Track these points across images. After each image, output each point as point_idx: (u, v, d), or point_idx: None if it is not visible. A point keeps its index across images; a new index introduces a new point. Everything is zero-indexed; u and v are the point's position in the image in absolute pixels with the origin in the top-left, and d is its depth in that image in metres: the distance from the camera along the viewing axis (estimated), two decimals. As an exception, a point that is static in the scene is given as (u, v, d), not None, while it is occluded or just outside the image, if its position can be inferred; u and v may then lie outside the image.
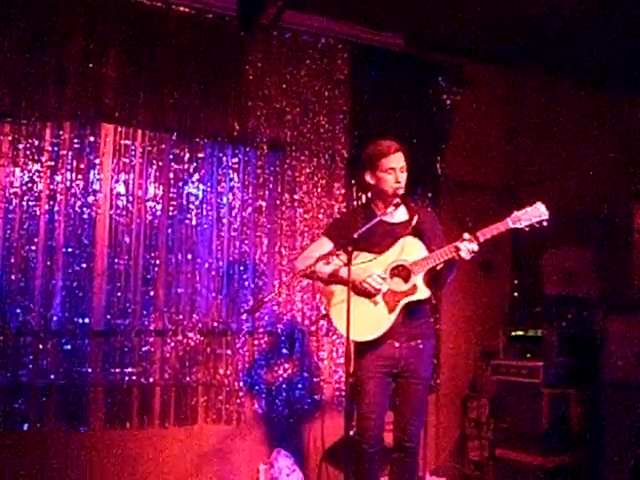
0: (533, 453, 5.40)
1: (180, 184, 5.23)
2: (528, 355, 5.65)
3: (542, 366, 5.46)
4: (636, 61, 5.84)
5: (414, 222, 4.07)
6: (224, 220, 5.36)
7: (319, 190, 5.65)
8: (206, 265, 5.28)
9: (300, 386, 5.48)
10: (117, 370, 4.99)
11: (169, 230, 5.19)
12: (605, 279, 5.88)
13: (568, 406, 5.51)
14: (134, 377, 5.02)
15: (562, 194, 5.78)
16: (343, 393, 5.44)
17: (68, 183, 4.92)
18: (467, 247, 3.82)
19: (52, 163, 4.89)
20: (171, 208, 5.20)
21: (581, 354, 5.65)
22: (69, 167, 4.93)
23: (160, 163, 5.19)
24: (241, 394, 5.31)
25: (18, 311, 4.74)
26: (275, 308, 5.47)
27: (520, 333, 5.85)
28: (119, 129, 5.09)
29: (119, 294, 5.02)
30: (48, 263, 4.84)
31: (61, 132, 4.92)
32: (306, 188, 5.60)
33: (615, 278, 5.84)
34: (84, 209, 4.95)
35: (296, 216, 5.56)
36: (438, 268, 3.96)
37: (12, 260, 4.75)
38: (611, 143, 6.21)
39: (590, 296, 5.89)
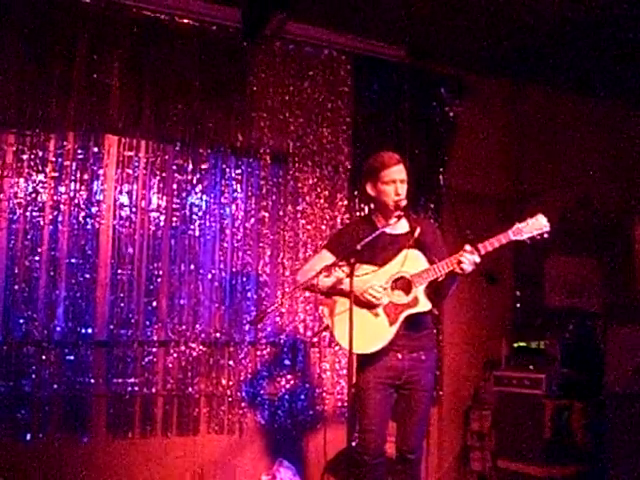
0: (535, 464, 5.40)
1: (183, 195, 5.25)
2: (531, 366, 5.65)
3: (545, 377, 5.47)
4: (637, 70, 5.85)
5: (416, 234, 4.06)
6: (227, 231, 5.37)
7: (322, 201, 5.66)
8: (209, 276, 5.29)
9: (302, 397, 5.48)
10: (120, 380, 4.99)
11: (172, 241, 5.20)
12: (607, 290, 5.88)
13: (571, 417, 5.50)
14: (137, 387, 5.03)
15: (564, 204, 5.79)
16: (345, 404, 5.44)
17: (72, 194, 4.93)
18: (468, 259, 3.83)
19: (56, 174, 4.90)
20: (174, 219, 5.21)
21: (584, 365, 5.65)
22: (73, 178, 4.94)
23: (163, 174, 5.21)
24: (243, 405, 5.31)
25: (21, 321, 4.74)
26: (278, 319, 5.48)
27: (523, 344, 5.86)
28: (123, 140, 5.11)
29: (122, 304, 5.03)
30: (51, 273, 4.85)
31: (65, 143, 4.93)
32: (309, 199, 5.62)
33: (617, 289, 5.83)
34: (88, 220, 4.96)
35: (299, 227, 5.58)
36: (439, 280, 3.96)
37: (16, 270, 4.76)
38: (613, 153, 6.21)
39: (592, 307, 5.89)
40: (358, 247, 3.80)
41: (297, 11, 5.28)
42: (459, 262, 3.83)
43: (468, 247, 3.85)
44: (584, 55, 5.81)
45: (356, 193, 5.78)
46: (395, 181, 4.05)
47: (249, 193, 5.46)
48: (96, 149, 5.02)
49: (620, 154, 6.11)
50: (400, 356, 4.02)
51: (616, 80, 6.07)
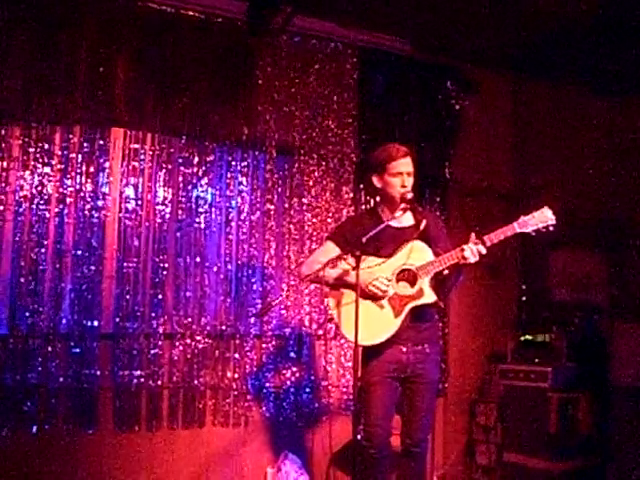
0: (541, 458, 5.40)
1: (189, 188, 5.24)
2: (536, 360, 5.65)
3: (550, 371, 5.47)
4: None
5: (422, 227, 4.07)
6: (233, 224, 5.37)
7: (328, 194, 5.66)
8: (215, 268, 5.29)
9: (308, 390, 5.49)
10: (126, 373, 4.99)
11: (178, 233, 5.20)
12: (613, 284, 5.87)
13: (576, 411, 5.50)
14: (143, 380, 5.03)
15: (570, 198, 5.78)
16: (351, 397, 5.45)
17: (78, 186, 4.93)
18: (472, 248, 3.83)
19: (62, 166, 4.90)
20: (180, 211, 5.21)
21: (589, 359, 5.65)
22: (79, 171, 4.94)
23: (169, 167, 5.21)
24: (249, 397, 5.32)
25: (27, 314, 4.74)
26: (283, 312, 5.48)
27: (529, 338, 5.85)
28: (129, 133, 5.11)
29: (128, 297, 5.03)
30: (57, 266, 4.85)
31: (71, 136, 4.93)
32: (314, 192, 5.62)
33: (623, 282, 5.82)
34: (93, 212, 4.96)
35: (304, 220, 5.57)
36: (445, 273, 3.96)
37: (22, 263, 4.76)
38: (618, 147, 6.19)
39: (598, 301, 5.88)
40: (364, 240, 3.79)
41: (303, 4, 5.28)
42: (463, 253, 3.83)
43: (473, 237, 3.86)
44: (589, 50, 5.79)
45: (362, 186, 5.77)
46: (402, 173, 4.05)
47: (255, 186, 5.46)
48: (102, 142, 5.01)
49: (625, 148, 6.09)
50: (404, 349, 4.03)
51: (622, 75, 6.05)
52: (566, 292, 6.04)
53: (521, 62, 6.25)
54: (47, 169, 4.87)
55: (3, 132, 4.78)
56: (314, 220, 5.58)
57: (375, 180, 4.16)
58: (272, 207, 5.48)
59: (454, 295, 5.88)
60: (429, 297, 3.98)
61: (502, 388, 5.84)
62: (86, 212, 4.94)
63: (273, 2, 5.20)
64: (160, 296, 5.12)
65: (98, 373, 4.92)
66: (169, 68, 5.18)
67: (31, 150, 4.83)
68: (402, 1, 5.35)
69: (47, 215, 4.85)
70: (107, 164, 5.03)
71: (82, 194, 4.94)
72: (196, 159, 5.27)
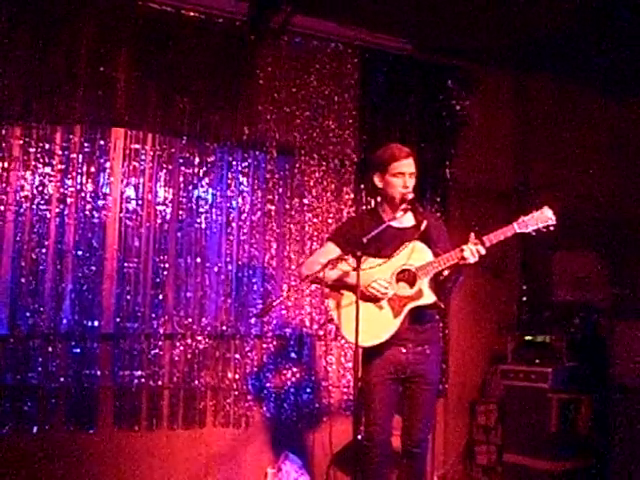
0: (541, 458, 5.40)
1: (190, 188, 5.24)
2: (537, 360, 5.65)
3: (551, 371, 5.47)
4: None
5: (423, 227, 4.07)
6: (233, 224, 5.37)
7: (328, 194, 5.66)
8: (215, 269, 5.29)
9: (308, 390, 5.49)
10: (126, 373, 5.00)
11: (179, 234, 5.20)
12: (614, 284, 5.86)
13: (577, 411, 5.51)
14: (143, 380, 5.03)
15: (571, 199, 5.77)
16: (351, 397, 5.45)
17: (78, 187, 4.93)
18: (472, 249, 3.83)
19: (62, 167, 4.90)
20: (181, 212, 5.21)
21: (590, 359, 5.65)
22: (79, 171, 4.93)
23: (170, 167, 5.20)
24: (249, 398, 5.32)
25: (28, 314, 4.75)
26: (284, 312, 5.48)
27: (529, 338, 5.85)
28: (129, 133, 5.11)
29: (128, 297, 5.03)
30: (58, 266, 4.85)
31: (71, 136, 4.93)
32: (315, 192, 5.61)
33: (623, 283, 5.82)
34: (94, 212, 4.96)
35: (305, 220, 5.57)
36: (444, 274, 3.96)
37: (22, 263, 4.76)
38: (620, 146, 6.19)
39: (599, 301, 5.88)
40: (364, 240, 3.79)
41: (304, 4, 5.28)
42: (463, 253, 3.83)
43: (473, 237, 3.86)
44: (593, 49, 5.78)
45: (362, 186, 5.77)
46: (404, 174, 4.05)
47: (255, 186, 5.46)
48: (103, 142, 5.01)
49: (627, 148, 6.08)
50: (404, 350, 4.03)
51: (624, 75, 6.05)
52: (567, 292, 6.03)
53: (522, 61, 6.24)
54: (48, 169, 4.86)
55: (3, 132, 4.77)
56: (315, 220, 5.58)
57: (377, 180, 4.16)
58: (273, 207, 5.48)
59: (455, 295, 5.87)
60: (428, 298, 3.98)
61: (502, 388, 5.84)
62: (87, 212, 4.94)
63: (273, 2, 5.19)
64: (161, 296, 5.12)
65: (98, 373, 4.92)
66: (169, 68, 5.17)
67: (32, 150, 4.83)
68: (402, 1, 5.33)
69: (48, 215, 4.85)
70: (108, 164, 5.03)
71: (83, 194, 4.94)
72: (197, 159, 5.27)
